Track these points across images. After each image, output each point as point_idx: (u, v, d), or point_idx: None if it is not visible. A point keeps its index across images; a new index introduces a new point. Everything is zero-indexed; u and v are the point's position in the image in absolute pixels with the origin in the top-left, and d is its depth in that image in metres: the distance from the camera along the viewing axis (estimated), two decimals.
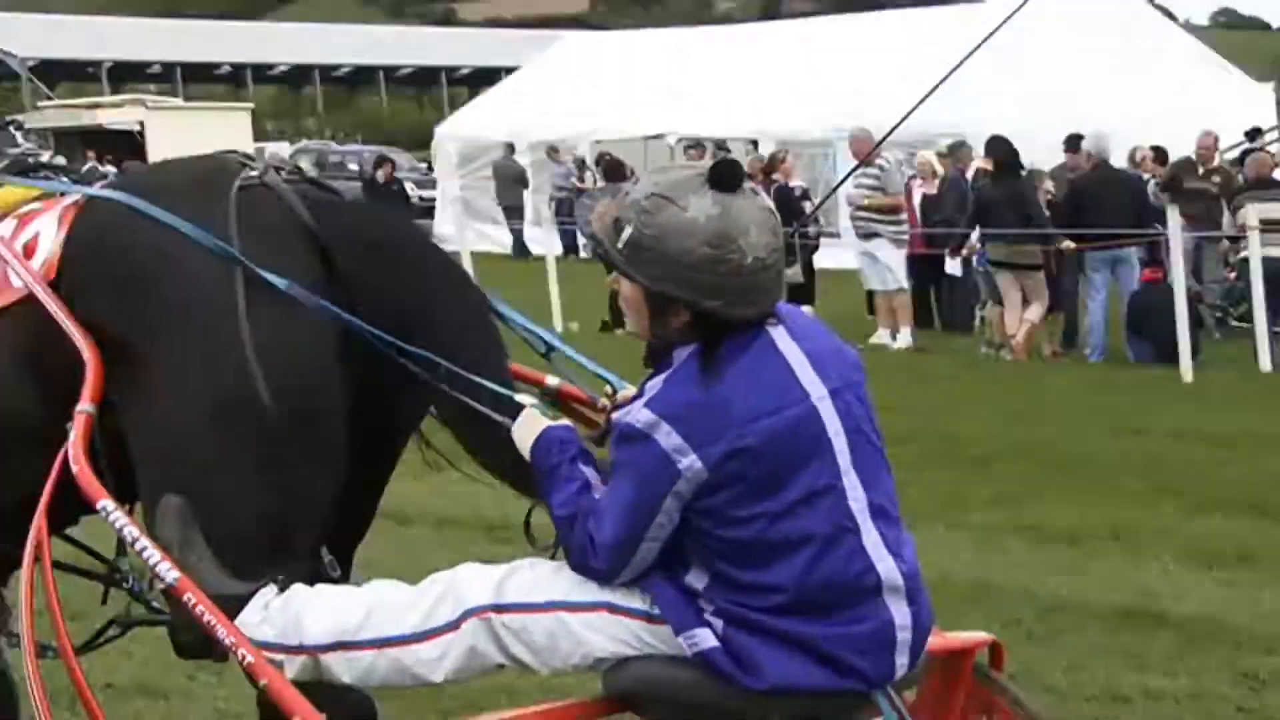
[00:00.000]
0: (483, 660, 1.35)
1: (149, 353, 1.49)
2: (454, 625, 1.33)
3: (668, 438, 1.23)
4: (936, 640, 1.46)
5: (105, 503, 1.52)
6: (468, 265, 9.13)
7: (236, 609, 1.39)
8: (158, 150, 22.16)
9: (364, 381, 1.57)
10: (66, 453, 1.50)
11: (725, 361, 1.25)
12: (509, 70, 23.29)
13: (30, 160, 2.05)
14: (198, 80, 50.15)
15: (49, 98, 37.04)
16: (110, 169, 19.63)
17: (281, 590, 1.41)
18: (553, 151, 16.40)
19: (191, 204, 1.54)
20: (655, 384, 1.30)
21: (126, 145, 24.65)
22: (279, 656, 1.39)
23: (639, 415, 1.27)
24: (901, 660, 1.29)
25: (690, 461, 1.23)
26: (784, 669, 1.21)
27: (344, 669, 1.36)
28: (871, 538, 1.24)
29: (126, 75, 49.28)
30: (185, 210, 1.53)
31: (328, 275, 1.51)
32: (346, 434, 1.53)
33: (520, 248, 16.32)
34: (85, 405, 1.54)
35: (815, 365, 1.27)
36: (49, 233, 1.67)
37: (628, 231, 1.29)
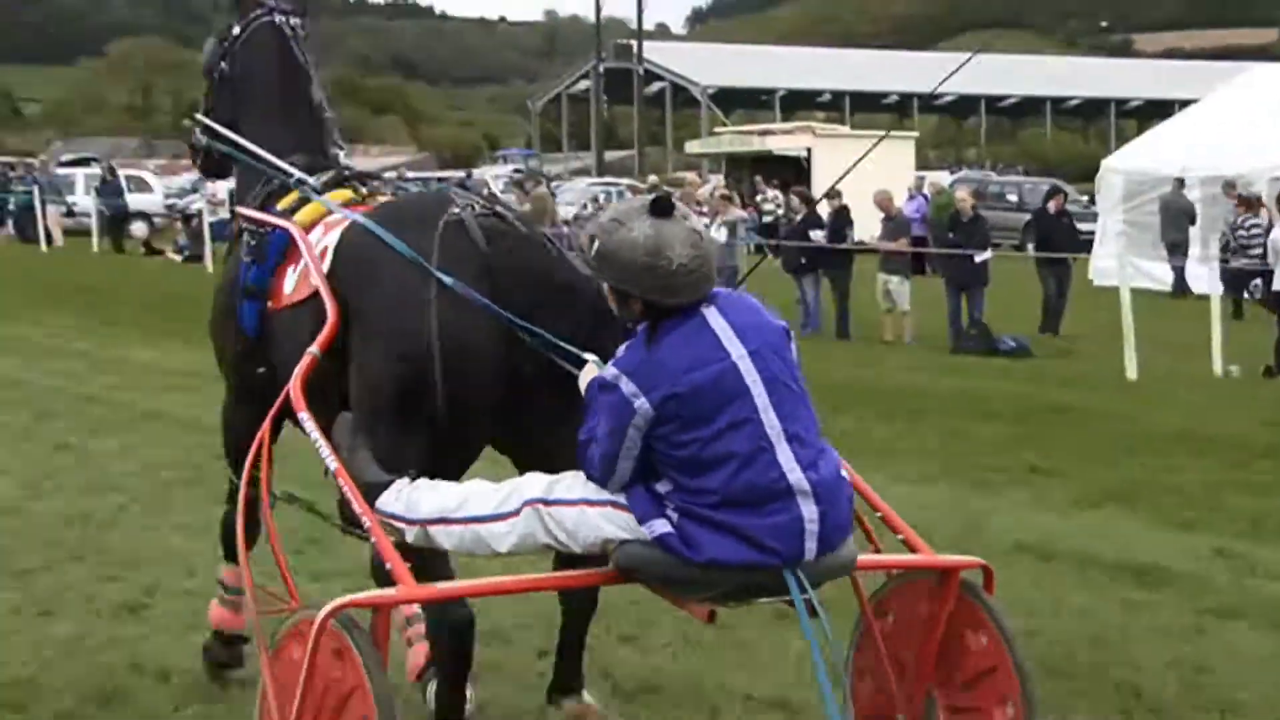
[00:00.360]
0: (534, 539, 1.91)
1: (368, 327, 2.27)
2: (516, 512, 1.92)
3: (626, 386, 1.83)
4: (929, 558, 1.94)
5: (303, 414, 2.26)
6: (1125, 300, 9.99)
7: (378, 492, 2.05)
8: (821, 176, 23.96)
9: (516, 372, 2.31)
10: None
11: (664, 333, 1.83)
12: (1184, 103, 23.54)
13: (345, 174, 2.83)
14: (864, 109, 53.00)
15: (724, 124, 41.15)
16: (774, 192, 21.61)
17: (411, 481, 2.08)
18: (1229, 187, 16.19)
19: (412, 232, 2.31)
20: (620, 350, 1.92)
21: (792, 170, 26.70)
22: (400, 525, 2.03)
23: (608, 371, 1.90)
24: (810, 545, 1.80)
25: (641, 403, 1.82)
26: (717, 548, 1.77)
27: (443, 538, 1.97)
28: (784, 455, 1.77)
29: (797, 104, 53.36)
30: (407, 236, 2.30)
31: (492, 286, 2.24)
32: (489, 417, 2.23)
33: (1180, 285, 16.60)
34: (313, 349, 2.35)
35: (738, 333, 1.82)
36: (331, 242, 2.56)
37: (595, 246, 1.88)
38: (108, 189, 25.66)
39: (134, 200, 27.54)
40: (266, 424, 2.41)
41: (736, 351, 1.89)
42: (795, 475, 1.86)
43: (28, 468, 6.78)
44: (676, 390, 1.86)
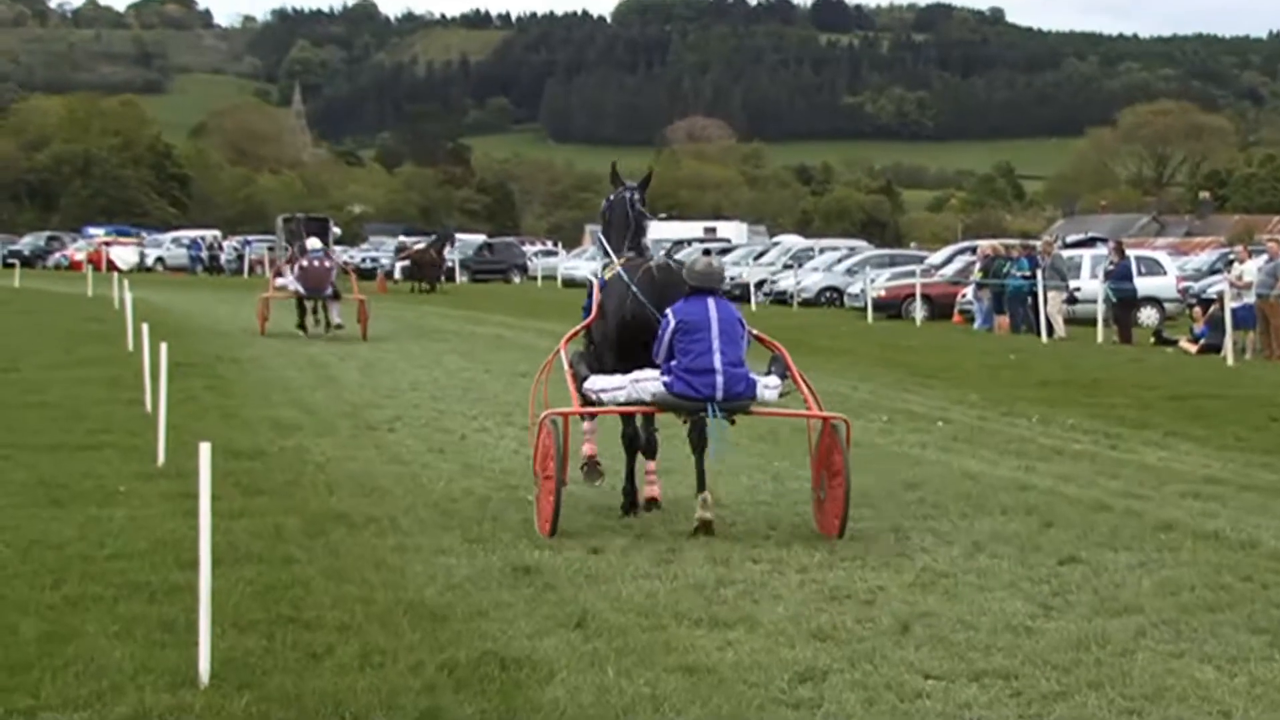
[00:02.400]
0: (632, 393, 8.70)
1: (605, 311, 9.24)
2: (635, 384, 8.69)
3: (670, 319, 8.62)
4: (808, 412, 9.17)
5: (562, 350, 9.37)
6: None
7: (585, 379, 8.88)
8: None
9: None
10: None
11: (691, 301, 8.72)
12: None
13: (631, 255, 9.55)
14: None
15: None
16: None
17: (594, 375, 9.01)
18: None
19: (634, 273, 9.13)
20: (677, 304, 8.76)
21: None
22: (592, 393, 8.82)
23: (669, 315, 8.72)
24: (719, 392, 8.54)
25: (671, 323, 8.64)
26: (682, 388, 8.48)
27: (606, 396, 8.68)
28: (715, 357, 8.47)
29: None
30: (632, 276, 9.11)
31: (657, 297, 9.01)
32: (643, 349, 8.91)
33: None
34: (587, 320, 9.56)
35: (717, 307, 8.67)
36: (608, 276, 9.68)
37: (684, 269, 9.07)
38: (1116, 271, 27.10)
39: (1144, 284, 28.77)
40: (562, 343, 9.60)
41: (712, 315, 8.52)
42: (716, 363, 8.41)
43: (1035, 582, 7.58)
44: (684, 320, 8.52)
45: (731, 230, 74.98)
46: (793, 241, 57.08)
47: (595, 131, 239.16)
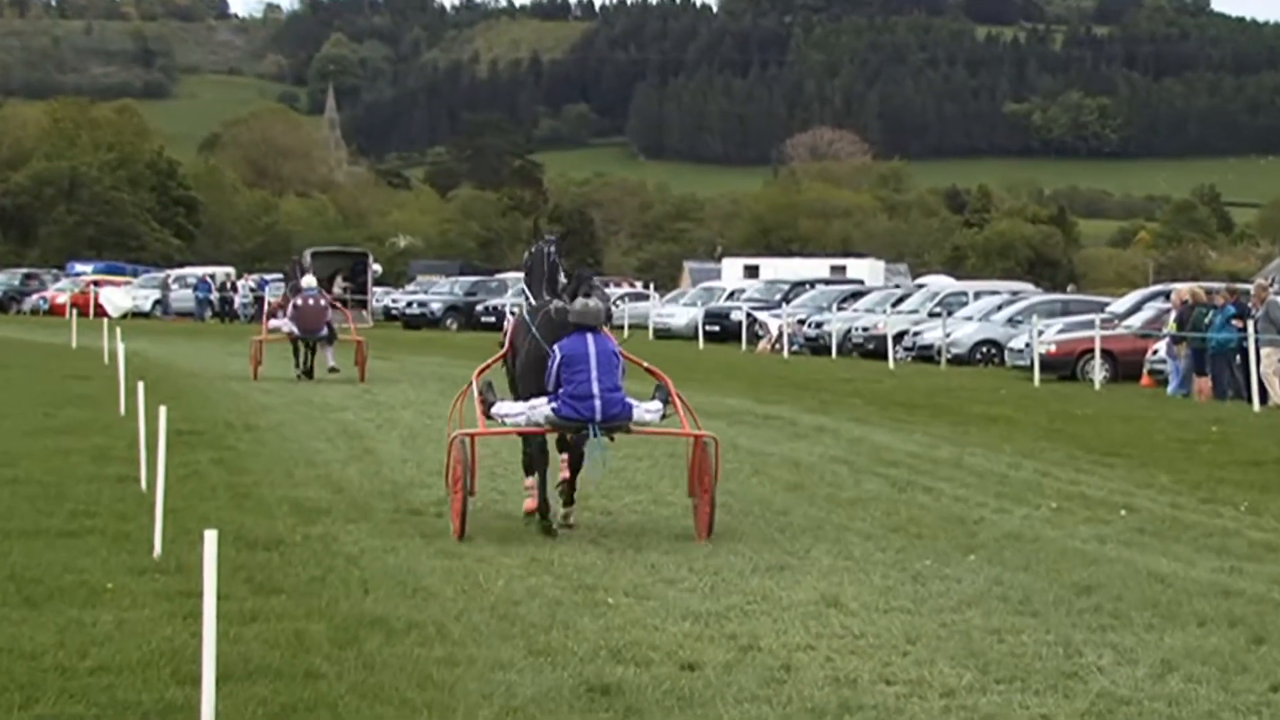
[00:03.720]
0: (529, 418, 12.72)
1: (518, 348, 13.36)
2: (532, 410, 12.67)
3: (557, 353, 12.65)
4: (681, 430, 13.23)
5: (475, 382, 13.31)
6: None
7: (491, 405, 12.94)
8: None
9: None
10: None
11: (571, 338, 12.75)
12: None
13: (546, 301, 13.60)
14: None
15: None
16: None
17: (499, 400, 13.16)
18: None
19: (535, 316, 13.33)
20: (562, 341, 12.77)
21: None
22: (499, 415, 12.92)
23: (555, 350, 12.71)
24: (598, 414, 12.51)
25: (557, 357, 12.64)
26: (568, 411, 12.49)
27: (522, 421, 12.74)
28: (594, 384, 12.51)
29: None
30: (533, 318, 13.33)
31: (553, 336, 12.99)
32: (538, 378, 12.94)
33: None
34: (499, 355, 14.02)
35: (594, 342, 12.67)
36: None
37: (568, 311, 12.97)
38: None
39: None
40: (475, 374, 13.60)
41: (591, 349, 12.53)
42: (595, 390, 12.42)
43: (1241, 712, 7.58)
44: (567, 354, 12.49)
45: (865, 269, 74.92)
46: (941, 284, 57.03)
47: (696, 147, 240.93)
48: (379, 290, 75.46)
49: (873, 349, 43.38)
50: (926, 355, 41.09)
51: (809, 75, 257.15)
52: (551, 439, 13.19)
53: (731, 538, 12.37)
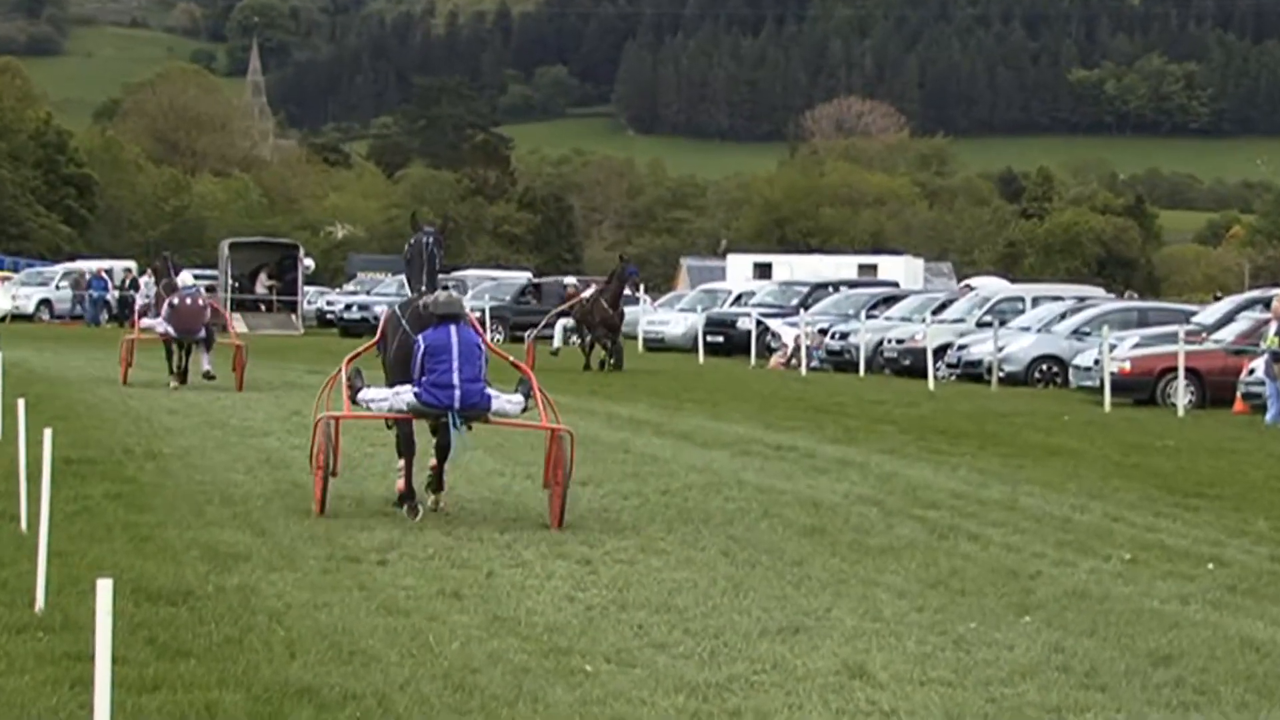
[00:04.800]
0: (392, 403, 16.21)
1: (389, 339, 16.88)
2: (388, 398, 16.24)
3: (421, 343, 16.09)
4: (540, 424, 16.55)
5: (345, 369, 16.99)
6: None
7: (359, 390, 16.52)
8: None
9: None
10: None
11: (435, 329, 16.16)
12: None
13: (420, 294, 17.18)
14: None
15: None
16: None
17: (367, 386, 16.75)
18: None
19: (405, 309, 16.92)
20: (426, 331, 16.23)
21: None
22: (365, 401, 16.47)
23: (419, 340, 16.18)
24: (457, 403, 15.95)
25: (421, 346, 16.07)
26: (429, 398, 15.95)
27: (375, 405, 16.36)
28: (456, 375, 15.94)
29: None
30: (403, 311, 16.94)
31: (421, 328, 16.37)
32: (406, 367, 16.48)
33: None
34: (370, 343, 18.43)
35: (458, 333, 16.07)
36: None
37: (433, 303, 16.57)
38: None
39: None
40: (345, 361, 17.48)
41: (453, 340, 15.90)
42: (455, 380, 15.79)
43: None
44: (430, 344, 15.85)
45: (900, 269, 75.21)
46: (993, 287, 57.09)
47: (696, 120, 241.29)
48: (311, 290, 75.55)
49: (909, 366, 43.46)
50: (974, 374, 41.19)
51: (834, 35, 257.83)
52: (432, 431, 16.75)
53: (735, 593, 12.38)
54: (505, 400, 16.13)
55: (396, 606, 11.60)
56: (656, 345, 56.22)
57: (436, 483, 16.46)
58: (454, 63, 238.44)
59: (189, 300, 31.46)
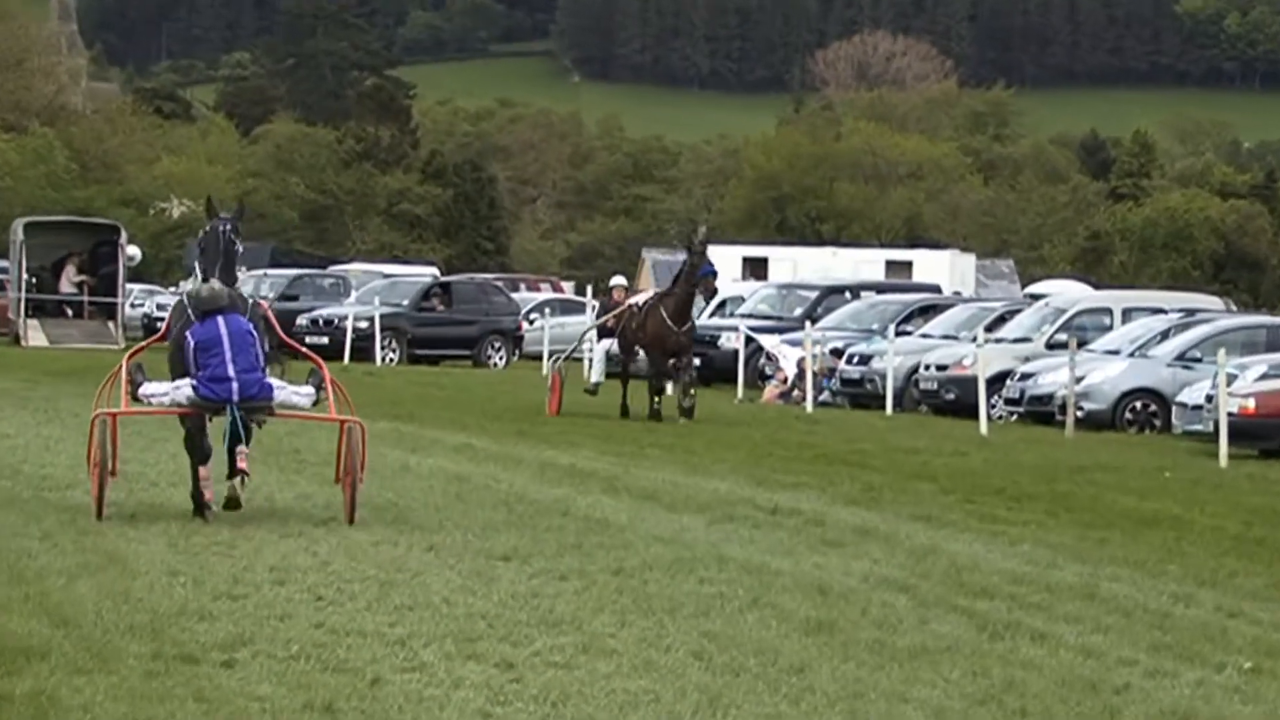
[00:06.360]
0: (173, 397, 21.43)
1: (174, 331, 22.18)
2: (168, 392, 21.43)
3: (190, 339, 21.31)
4: (326, 416, 22.53)
5: (125, 364, 22.31)
6: None
7: (140, 385, 21.60)
8: None
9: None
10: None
11: (202, 324, 21.41)
12: None
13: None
14: None
15: None
16: None
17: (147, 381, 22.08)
18: None
19: (191, 300, 21.89)
20: (194, 326, 21.74)
21: None
22: (154, 399, 21.66)
23: (188, 335, 21.55)
24: (235, 395, 21.06)
25: (191, 341, 21.37)
26: (206, 392, 21.04)
27: (167, 401, 21.46)
28: (230, 367, 20.97)
29: None
30: (190, 301, 21.97)
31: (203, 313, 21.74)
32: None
33: None
34: (154, 337, 25.59)
35: (227, 324, 21.17)
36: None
37: (204, 294, 21.93)
38: None
39: None
40: (127, 356, 23.05)
41: (223, 331, 21.04)
42: (230, 372, 20.85)
43: None
44: (201, 339, 21.00)
45: (943, 268, 75.42)
46: (1069, 295, 57.17)
47: (665, 62, 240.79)
48: (137, 288, 75.40)
49: (954, 401, 43.54)
50: (1043, 413, 41.46)
51: None
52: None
53: (712, 710, 12.43)
54: (292, 391, 21.30)
55: None
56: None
57: (231, 469, 20.76)
58: None
59: None
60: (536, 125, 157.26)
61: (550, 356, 53.24)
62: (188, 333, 20.86)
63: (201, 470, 21.10)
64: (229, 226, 21.63)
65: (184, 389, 20.73)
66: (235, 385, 20.57)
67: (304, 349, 23.57)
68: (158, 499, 22.48)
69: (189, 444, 21.41)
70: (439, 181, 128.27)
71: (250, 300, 22.90)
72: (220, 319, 20.77)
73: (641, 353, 39.85)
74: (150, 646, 13.83)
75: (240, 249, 22.09)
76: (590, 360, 43.65)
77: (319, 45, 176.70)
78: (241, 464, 20.96)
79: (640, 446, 30.77)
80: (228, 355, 20.59)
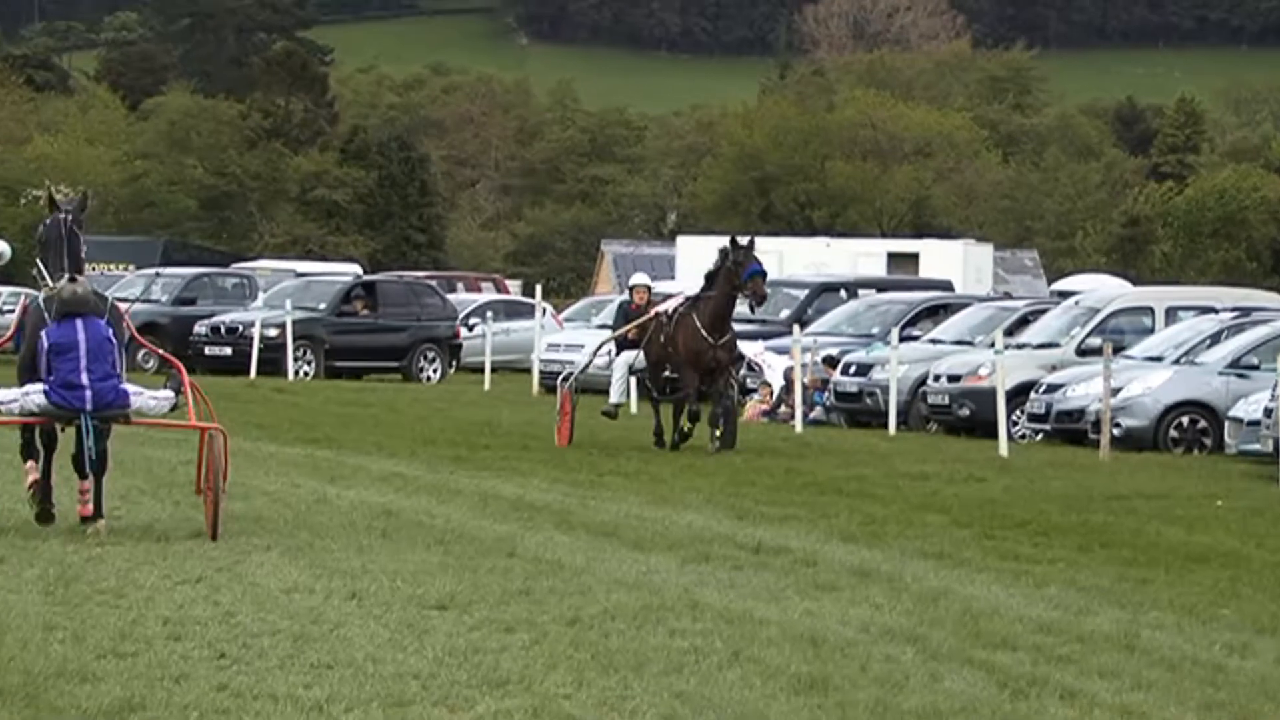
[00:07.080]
0: (25, 405, 23.96)
1: (26, 334, 25.31)
2: (25, 396, 23.81)
3: (44, 340, 23.84)
4: (186, 423, 25.77)
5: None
6: None
7: None
8: None
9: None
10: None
11: (59, 325, 24.03)
12: None
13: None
14: None
15: None
16: None
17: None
18: None
19: (50, 301, 24.39)
20: (50, 327, 24.53)
21: None
22: (4, 404, 24.13)
23: (43, 337, 24.20)
24: (89, 404, 23.59)
25: (44, 344, 23.96)
26: (57, 399, 23.52)
27: (16, 409, 23.90)
28: (84, 374, 23.48)
29: None
30: (48, 304, 24.51)
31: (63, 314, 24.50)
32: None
33: None
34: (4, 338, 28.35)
35: (86, 329, 23.62)
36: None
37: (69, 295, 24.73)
38: None
39: None
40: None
41: (80, 337, 23.46)
42: (84, 380, 23.35)
43: None
44: (56, 342, 23.46)
45: (955, 260, 75.49)
46: (1104, 292, 57.26)
47: (628, 20, 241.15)
48: (5, 291, 75.37)
49: (968, 417, 43.67)
50: (1073, 430, 41.65)
51: None
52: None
53: None
54: (149, 397, 23.58)
55: None
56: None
57: (95, 505, 23.34)
58: None
59: None
60: (476, 96, 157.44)
61: (551, 373, 51.65)
62: (43, 333, 22.93)
63: (84, 484, 23.20)
64: (70, 218, 23.88)
65: (34, 396, 22.77)
66: (89, 394, 22.71)
67: (161, 350, 27.93)
68: (30, 536, 22.47)
69: (24, 446, 24.13)
70: (361, 163, 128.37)
71: (108, 299, 25.12)
72: (80, 322, 22.89)
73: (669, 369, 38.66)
74: (24, 714, 13.85)
75: (84, 244, 24.27)
76: (590, 367, 43.11)
77: (218, 4, 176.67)
78: (87, 509, 23.13)
79: (599, 474, 30.85)
80: (83, 362, 22.70)
